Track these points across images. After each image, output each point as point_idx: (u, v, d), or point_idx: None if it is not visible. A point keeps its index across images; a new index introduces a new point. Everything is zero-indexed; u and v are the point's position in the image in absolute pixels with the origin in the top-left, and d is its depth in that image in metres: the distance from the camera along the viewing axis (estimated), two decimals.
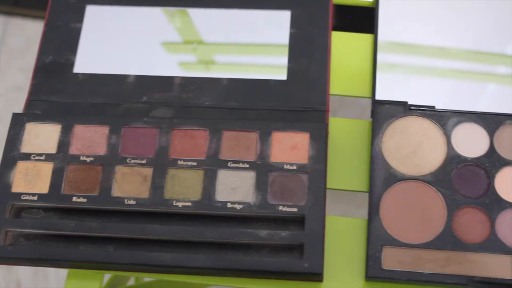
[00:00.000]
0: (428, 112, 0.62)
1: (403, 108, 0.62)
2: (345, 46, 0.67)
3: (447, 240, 0.58)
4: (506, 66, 0.65)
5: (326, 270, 0.59)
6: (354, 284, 0.58)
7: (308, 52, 0.65)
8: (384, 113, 0.61)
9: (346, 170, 0.62)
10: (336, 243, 0.60)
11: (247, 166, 0.60)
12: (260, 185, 0.59)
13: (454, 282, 0.57)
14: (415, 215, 0.59)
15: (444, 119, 0.61)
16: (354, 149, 0.62)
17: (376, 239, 0.58)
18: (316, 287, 0.58)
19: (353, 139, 0.63)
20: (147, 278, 0.73)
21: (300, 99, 0.63)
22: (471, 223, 0.58)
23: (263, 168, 0.60)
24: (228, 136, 0.61)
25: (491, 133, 0.61)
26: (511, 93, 0.63)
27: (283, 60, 0.65)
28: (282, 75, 0.64)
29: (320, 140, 0.60)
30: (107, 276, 0.67)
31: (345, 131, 0.63)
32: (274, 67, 0.66)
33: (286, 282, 0.58)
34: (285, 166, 0.60)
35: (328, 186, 0.61)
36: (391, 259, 0.58)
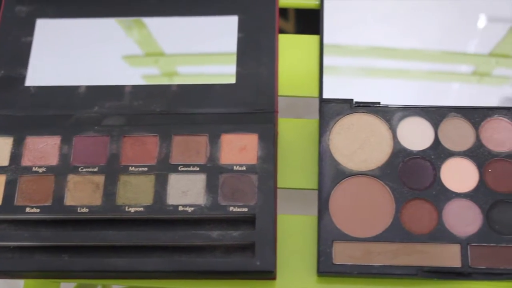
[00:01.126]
0: (374, 108, 0.63)
1: (349, 106, 0.63)
2: (292, 48, 0.68)
3: (396, 233, 0.59)
4: (447, 62, 0.66)
5: (279, 267, 0.60)
6: (307, 280, 0.59)
7: (256, 56, 0.67)
8: (330, 111, 0.63)
9: (296, 169, 0.63)
10: (288, 240, 0.61)
11: (198, 169, 0.61)
12: (211, 187, 0.60)
13: (404, 273, 0.58)
14: (364, 210, 0.60)
15: (389, 114, 0.62)
16: (304, 148, 0.63)
17: (326, 234, 0.59)
18: (269, 285, 0.59)
19: (303, 138, 0.64)
20: (116, 286, 0.74)
21: (249, 101, 0.64)
22: (419, 215, 0.59)
23: (213, 170, 0.60)
24: (178, 141, 0.62)
25: (436, 125, 0.62)
26: (454, 87, 0.65)
27: (232, 64, 0.66)
28: (231, 79, 0.65)
29: (268, 141, 0.61)
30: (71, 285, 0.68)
31: (294, 131, 0.64)
32: (223, 71, 0.67)
33: (241, 281, 0.59)
34: (235, 168, 0.61)
35: (278, 185, 0.62)
36: (342, 253, 0.58)
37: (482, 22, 0.68)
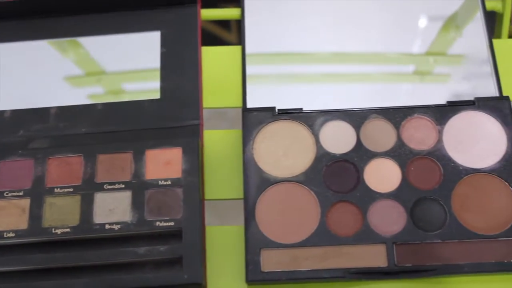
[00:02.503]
0: (296, 115, 0.63)
1: (271, 114, 0.63)
2: (216, 60, 0.68)
3: (323, 236, 0.59)
4: (367, 64, 0.67)
5: (209, 279, 0.60)
6: None
7: (179, 70, 0.67)
8: (253, 120, 0.63)
9: (223, 180, 0.63)
10: (218, 251, 0.61)
11: (123, 186, 0.61)
12: (137, 204, 0.60)
13: (331, 275, 0.58)
14: (290, 216, 0.60)
15: (311, 119, 0.63)
16: (230, 158, 0.64)
17: (254, 243, 0.59)
18: None
19: (228, 149, 0.64)
20: None
21: (175, 116, 0.65)
22: (344, 217, 0.60)
23: (138, 187, 0.61)
24: (102, 160, 0.62)
25: (357, 128, 0.63)
26: (375, 89, 0.65)
27: (156, 80, 0.66)
28: (156, 95, 0.66)
29: (192, 154, 0.62)
30: None
31: (220, 142, 0.65)
32: (148, 87, 0.67)
33: None
34: (160, 182, 0.61)
35: (206, 197, 0.63)
36: (270, 261, 0.59)
37: (412, 22, 0.69)
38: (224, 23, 0.93)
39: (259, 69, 0.67)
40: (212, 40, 1.08)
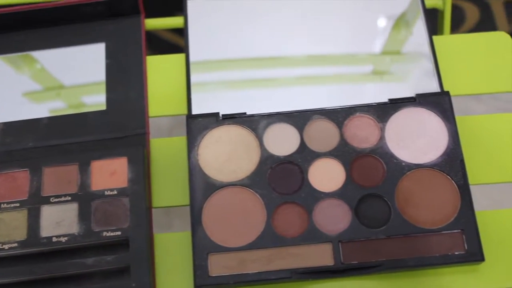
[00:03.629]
0: (240, 119, 0.64)
1: (215, 119, 0.64)
2: (161, 68, 0.69)
3: (269, 239, 0.60)
4: (309, 67, 0.68)
5: (159, 286, 0.60)
6: None
7: (124, 80, 0.67)
8: (197, 126, 0.63)
9: (170, 187, 0.64)
10: (167, 259, 0.61)
11: (69, 198, 0.61)
12: (84, 215, 0.60)
13: (278, 277, 0.58)
14: (237, 219, 0.60)
15: (254, 123, 0.63)
16: (177, 165, 0.64)
17: (201, 248, 0.60)
18: None
19: (175, 156, 0.65)
20: None
21: (120, 126, 0.65)
22: (290, 219, 0.60)
23: (84, 198, 0.61)
24: (48, 173, 0.62)
25: (301, 129, 0.63)
26: (317, 91, 0.66)
27: (102, 91, 0.67)
28: (102, 106, 0.66)
29: (137, 163, 0.62)
30: None
31: (166, 150, 0.65)
32: (94, 99, 0.67)
33: None
34: (106, 193, 0.61)
35: (154, 205, 0.63)
36: (217, 265, 0.59)
37: (357, 23, 0.70)
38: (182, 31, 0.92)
39: (204, 76, 0.67)
40: (171, 48, 1.08)
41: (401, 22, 0.70)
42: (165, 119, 1.13)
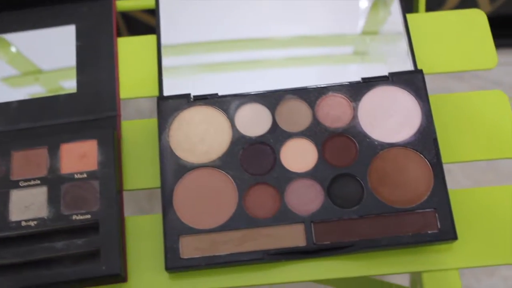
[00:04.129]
0: (212, 100, 0.63)
1: (187, 100, 0.63)
2: (132, 50, 0.68)
3: (241, 220, 0.59)
4: (283, 49, 0.67)
5: (131, 269, 0.60)
6: (158, 279, 0.59)
7: (95, 62, 0.67)
8: (168, 108, 0.63)
9: (142, 170, 0.63)
10: (139, 241, 0.61)
11: (39, 182, 0.60)
12: (53, 199, 0.60)
13: (250, 258, 0.58)
14: (208, 201, 0.60)
15: (226, 104, 0.63)
16: (148, 148, 0.64)
17: (172, 230, 0.59)
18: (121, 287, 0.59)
19: (146, 139, 0.64)
20: None
21: (91, 108, 0.64)
22: (262, 199, 0.60)
23: (54, 182, 0.60)
24: (17, 157, 0.61)
25: (273, 109, 0.62)
26: (291, 72, 0.65)
27: (72, 74, 0.66)
28: (72, 89, 0.65)
29: (107, 145, 0.61)
30: None
31: (138, 132, 0.64)
32: (64, 81, 0.66)
33: None
34: (75, 176, 0.60)
35: (125, 187, 0.62)
36: (188, 247, 0.59)
37: (332, 3, 0.69)
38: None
39: (176, 59, 0.66)
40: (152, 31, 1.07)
41: (379, 2, 0.69)
42: (148, 102, 1.13)
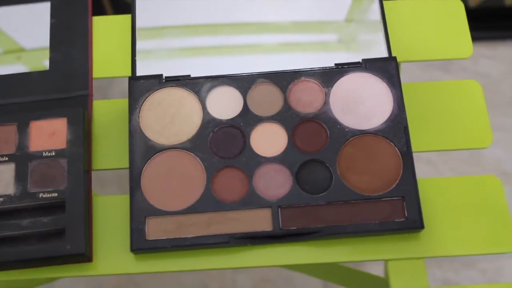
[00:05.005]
0: (184, 82, 0.63)
1: (158, 81, 0.63)
2: (108, 30, 0.67)
3: (208, 203, 0.59)
4: (260, 34, 0.66)
5: (97, 249, 0.59)
6: (123, 259, 0.59)
7: (69, 40, 0.66)
8: (139, 88, 0.62)
9: (111, 150, 0.63)
10: (106, 222, 0.60)
11: (7, 159, 0.60)
12: (20, 176, 0.59)
13: (216, 241, 0.58)
14: (176, 183, 0.60)
15: (198, 85, 0.62)
16: (119, 128, 0.63)
17: (138, 211, 0.59)
18: (86, 267, 0.59)
19: (118, 119, 0.64)
20: None
21: (63, 87, 0.64)
22: (230, 183, 0.60)
23: (22, 159, 0.60)
24: None
25: (244, 93, 0.62)
26: (265, 58, 0.65)
27: (46, 51, 0.65)
28: (45, 66, 0.65)
29: (77, 124, 0.61)
30: None
31: (109, 112, 0.64)
32: (37, 58, 0.66)
33: (59, 267, 0.59)
34: (44, 154, 0.60)
35: (94, 167, 0.62)
36: (155, 229, 0.58)
37: None
38: None
39: (150, 40, 0.66)
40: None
41: None
42: None
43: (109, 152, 0.63)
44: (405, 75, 1.17)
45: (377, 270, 0.88)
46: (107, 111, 0.64)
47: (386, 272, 0.60)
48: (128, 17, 0.67)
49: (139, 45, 0.65)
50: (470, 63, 1.24)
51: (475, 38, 1.23)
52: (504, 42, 1.25)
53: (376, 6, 0.66)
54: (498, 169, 1.17)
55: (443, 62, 1.20)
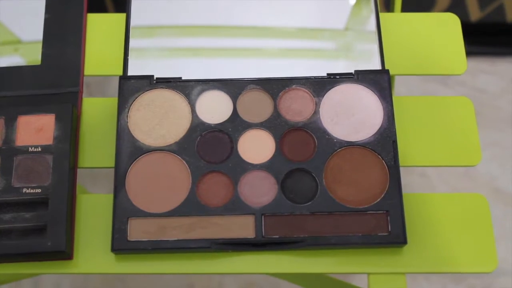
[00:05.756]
0: (174, 84, 0.62)
1: (149, 82, 0.62)
2: (101, 27, 0.67)
3: (192, 207, 0.59)
4: (255, 39, 0.66)
5: (78, 247, 0.59)
6: (104, 259, 0.59)
7: (62, 36, 0.66)
8: (130, 88, 0.62)
9: (98, 148, 0.63)
10: (88, 220, 0.60)
11: None
12: (5, 170, 0.59)
13: (198, 246, 0.58)
14: (161, 185, 0.59)
15: (188, 88, 0.62)
16: (107, 127, 0.63)
17: (121, 212, 0.58)
18: (66, 265, 0.59)
19: (107, 118, 0.63)
20: None
21: (54, 83, 0.64)
22: (215, 188, 0.59)
23: (8, 153, 0.60)
24: None
25: (235, 98, 0.62)
26: (259, 63, 0.65)
27: (39, 45, 0.65)
28: (37, 61, 0.65)
29: (65, 121, 0.61)
30: None
31: (99, 110, 0.64)
32: (30, 52, 0.66)
33: (40, 263, 0.59)
34: (30, 149, 0.60)
35: (80, 165, 0.62)
36: (137, 230, 0.58)
37: None
38: None
39: (143, 39, 0.66)
40: None
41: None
42: None
43: (96, 151, 0.62)
44: (402, 87, 1.17)
45: (363, 283, 0.88)
46: (97, 109, 0.64)
47: (368, 285, 0.60)
48: (122, 15, 0.67)
49: (132, 43, 0.64)
50: (468, 78, 1.23)
51: (475, 53, 1.23)
52: (504, 58, 1.25)
53: (372, 18, 0.66)
54: (492, 185, 1.17)
55: (441, 75, 1.20)
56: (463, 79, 1.23)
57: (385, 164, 0.60)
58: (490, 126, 1.21)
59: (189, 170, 0.60)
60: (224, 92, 0.62)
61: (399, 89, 1.16)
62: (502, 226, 1.13)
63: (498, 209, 1.15)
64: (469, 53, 1.23)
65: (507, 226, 1.12)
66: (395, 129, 0.60)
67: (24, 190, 0.59)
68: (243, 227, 0.58)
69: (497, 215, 1.09)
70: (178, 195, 0.59)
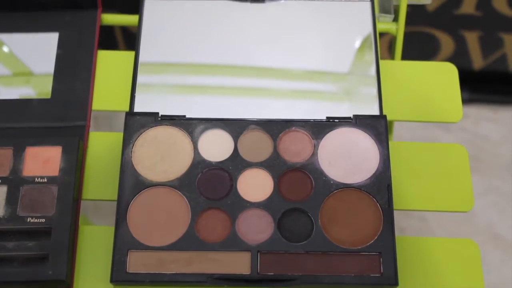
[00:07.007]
0: (178, 121, 0.65)
1: (154, 119, 0.65)
2: (110, 64, 0.69)
3: (190, 241, 0.60)
4: (258, 78, 0.68)
5: (78, 277, 0.61)
6: None
7: (73, 72, 0.68)
8: (135, 124, 0.64)
9: (103, 181, 0.64)
10: (90, 251, 0.62)
11: (0, 181, 0.62)
12: (11, 199, 0.61)
13: (194, 280, 0.59)
14: (162, 219, 0.61)
15: (192, 126, 0.64)
16: (112, 161, 0.65)
17: (122, 244, 0.60)
18: None
19: (112, 152, 0.65)
20: None
21: (62, 116, 0.66)
22: (213, 224, 0.61)
23: (15, 182, 0.62)
24: None
25: (236, 138, 0.64)
26: (261, 103, 0.67)
27: (49, 80, 0.68)
28: (47, 94, 0.67)
29: (72, 153, 0.63)
30: None
31: (105, 144, 0.66)
32: (41, 87, 0.68)
33: None
34: (36, 179, 0.62)
35: (84, 197, 0.64)
36: (136, 262, 0.60)
37: (313, 40, 0.70)
38: None
39: (151, 76, 0.68)
40: None
41: (366, 44, 0.70)
42: None
43: (101, 183, 0.64)
44: (406, 132, 1.19)
45: None
46: (103, 143, 0.66)
47: None
48: (131, 53, 0.69)
49: (140, 79, 0.67)
50: (470, 125, 1.25)
51: (478, 100, 1.25)
52: (506, 106, 1.27)
53: (372, 64, 0.68)
54: (490, 232, 1.18)
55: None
56: (465, 126, 1.25)
57: (379, 207, 0.61)
58: (490, 173, 1.22)
59: (189, 206, 0.61)
60: (226, 131, 0.64)
61: (402, 134, 1.19)
62: (500, 272, 1.14)
63: (496, 255, 1.16)
64: (472, 100, 1.26)
65: (505, 272, 1.13)
66: (390, 173, 0.62)
67: (29, 219, 0.60)
68: (239, 263, 0.60)
69: (496, 261, 1.10)
70: (177, 230, 0.61)
